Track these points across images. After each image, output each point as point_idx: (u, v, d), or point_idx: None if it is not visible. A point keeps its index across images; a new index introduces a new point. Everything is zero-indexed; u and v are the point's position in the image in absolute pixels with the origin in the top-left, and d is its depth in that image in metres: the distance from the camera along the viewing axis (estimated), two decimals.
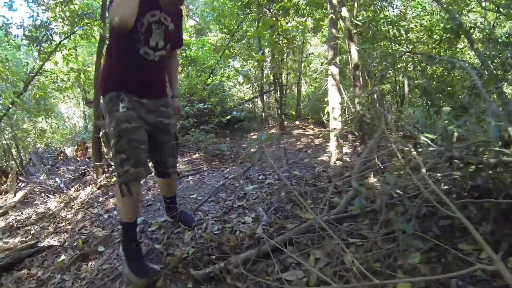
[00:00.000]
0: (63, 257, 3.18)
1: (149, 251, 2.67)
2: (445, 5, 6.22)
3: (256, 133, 9.45)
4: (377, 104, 4.41)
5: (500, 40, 6.59)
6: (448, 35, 6.72)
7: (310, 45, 12.74)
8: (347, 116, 5.14)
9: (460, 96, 7.39)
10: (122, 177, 2.28)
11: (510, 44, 5.82)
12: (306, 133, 9.12)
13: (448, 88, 7.53)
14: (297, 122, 11.12)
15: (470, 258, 1.79)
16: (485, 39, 6.61)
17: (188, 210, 3.27)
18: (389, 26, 7.75)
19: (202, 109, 7.90)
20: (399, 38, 7.71)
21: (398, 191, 2.31)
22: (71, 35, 7.85)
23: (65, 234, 3.92)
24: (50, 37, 6.81)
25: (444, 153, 2.19)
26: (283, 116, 10.05)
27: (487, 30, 6.80)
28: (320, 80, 12.67)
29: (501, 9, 6.00)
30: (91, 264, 2.87)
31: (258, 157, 4.92)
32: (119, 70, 2.36)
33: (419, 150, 2.61)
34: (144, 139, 2.37)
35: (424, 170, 1.93)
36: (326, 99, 5.06)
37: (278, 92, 10.11)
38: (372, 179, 3.32)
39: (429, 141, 2.41)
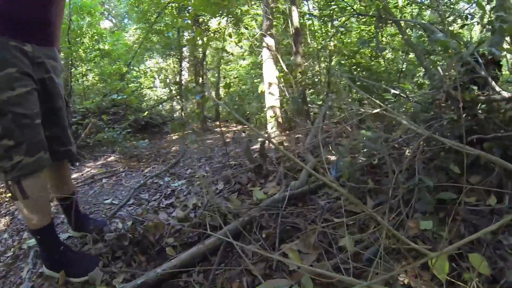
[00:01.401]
0: None
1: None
2: None
3: (175, 135, 8.71)
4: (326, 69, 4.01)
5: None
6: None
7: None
8: (285, 94, 4.59)
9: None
10: (10, 172, 1.49)
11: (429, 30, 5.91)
12: (231, 129, 8.66)
13: (374, 77, 7.45)
14: (218, 123, 10.68)
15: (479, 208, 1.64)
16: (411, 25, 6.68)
17: (102, 218, 2.51)
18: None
19: (116, 101, 6.94)
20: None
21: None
22: None
23: None
24: None
25: (433, 96, 1.85)
26: (204, 114, 9.51)
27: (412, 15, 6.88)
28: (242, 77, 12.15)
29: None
30: None
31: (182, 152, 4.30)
32: None
33: (389, 106, 2.25)
34: (38, 109, 1.56)
35: (404, 122, 1.60)
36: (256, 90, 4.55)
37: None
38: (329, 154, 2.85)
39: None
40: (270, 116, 3.97)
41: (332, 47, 7.65)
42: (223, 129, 8.99)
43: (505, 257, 1.40)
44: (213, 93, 13.92)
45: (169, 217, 2.22)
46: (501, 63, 2.48)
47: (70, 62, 8.38)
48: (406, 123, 1.62)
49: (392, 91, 2.33)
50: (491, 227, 0.96)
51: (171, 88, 13.38)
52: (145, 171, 4.40)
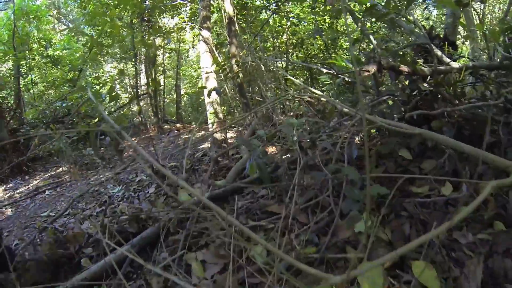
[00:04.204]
0: None
1: None
2: None
3: (133, 139, 8.59)
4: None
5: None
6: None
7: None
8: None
9: None
10: None
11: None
12: (187, 130, 8.60)
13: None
14: (178, 125, 10.61)
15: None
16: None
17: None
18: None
19: (62, 108, 6.75)
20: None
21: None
22: None
23: None
24: None
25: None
26: (160, 118, 9.44)
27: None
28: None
29: None
30: None
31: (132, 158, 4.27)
32: None
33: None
34: None
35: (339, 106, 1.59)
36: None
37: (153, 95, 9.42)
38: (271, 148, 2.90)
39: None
40: (210, 113, 3.86)
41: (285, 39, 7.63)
42: (181, 130, 8.95)
43: (462, 262, 1.11)
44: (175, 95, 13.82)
45: (91, 225, 2.21)
46: (456, 44, 2.51)
47: (17, 72, 8.08)
48: (337, 104, 1.58)
49: (325, 70, 2.25)
50: (443, 226, 0.67)
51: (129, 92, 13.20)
52: (92, 179, 4.35)
